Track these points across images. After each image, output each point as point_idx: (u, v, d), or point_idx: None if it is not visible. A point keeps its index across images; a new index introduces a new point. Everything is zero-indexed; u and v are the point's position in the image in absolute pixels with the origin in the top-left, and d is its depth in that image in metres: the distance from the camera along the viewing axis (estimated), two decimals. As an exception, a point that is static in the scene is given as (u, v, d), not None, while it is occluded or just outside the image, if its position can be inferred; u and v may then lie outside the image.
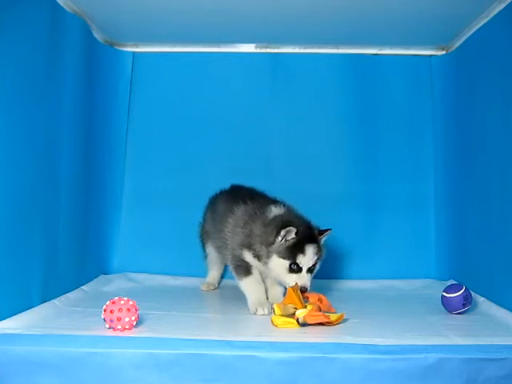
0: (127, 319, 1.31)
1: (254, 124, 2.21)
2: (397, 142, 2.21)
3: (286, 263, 1.57)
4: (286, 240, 1.57)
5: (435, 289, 1.93)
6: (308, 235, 1.59)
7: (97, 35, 2.01)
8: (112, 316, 1.30)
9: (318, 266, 1.62)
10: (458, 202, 2.01)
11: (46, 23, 1.55)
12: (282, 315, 1.43)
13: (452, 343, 1.28)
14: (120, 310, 1.30)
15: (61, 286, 1.68)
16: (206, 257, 2.03)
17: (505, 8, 1.64)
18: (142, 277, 2.08)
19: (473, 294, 1.63)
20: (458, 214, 2.01)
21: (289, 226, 1.56)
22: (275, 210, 1.67)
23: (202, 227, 2.03)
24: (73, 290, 1.75)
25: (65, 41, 1.68)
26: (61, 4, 1.67)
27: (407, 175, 2.20)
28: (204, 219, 2.03)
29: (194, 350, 1.14)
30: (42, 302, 1.53)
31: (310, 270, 1.59)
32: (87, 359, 1.12)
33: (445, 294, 1.60)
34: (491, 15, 1.72)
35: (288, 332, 1.37)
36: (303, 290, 1.55)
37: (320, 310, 1.48)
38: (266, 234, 1.61)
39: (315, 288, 1.76)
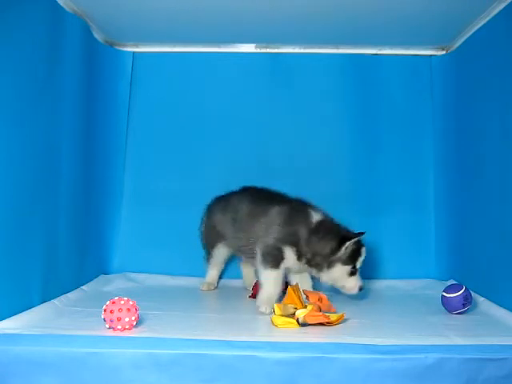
0: (127, 319, 1.31)
1: (254, 124, 2.21)
2: (397, 142, 2.21)
3: (348, 268, 1.66)
4: (347, 248, 1.66)
5: (435, 289, 1.93)
6: (360, 239, 1.69)
7: (97, 35, 2.01)
8: (112, 316, 1.30)
9: None
10: (457, 202, 2.01)
11: (46, 23, 1.55)
12: (282, 315, 1.43)
13: (452, 343, 1.28)
14: (120, 309, 1.30)
15: (61, 285, 1.68)
16: (209, 258, 2.02)
17: (505, 8, 1.64)
18: (141, 277, 2.08)
19: (473, 294, 1.63)
20: (458, 214, 2.01)
21: (349, 238, 1.65)
22: (315, 216, 1.72)
23: (210, 228, 2.00)
24: (73, 290, 1.75)
25: (65, 41, 1.68)
26: (61, 4, 1.67)
27: (407, 175, 2.19)
28: (212, 220, 1.99)
29: (194, 350, 1.14)
30: (42, 302, 1.53)
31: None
32: (87, 359, 1.12)
33: (445, 294, 1.61)
34: (491, 15, 1.72)
35: (288, 332, 1.37)
36: (361, 290, 1.68)
37: (320, 310, 1.48)
38: (320, 244, 1.67)
39: (316, 288, 1.77)
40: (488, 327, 1.45)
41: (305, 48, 2.21)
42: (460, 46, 2.03)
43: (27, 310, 1.43)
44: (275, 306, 1.46)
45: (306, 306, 1.47)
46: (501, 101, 1.64)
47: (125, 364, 1.12)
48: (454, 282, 1.80)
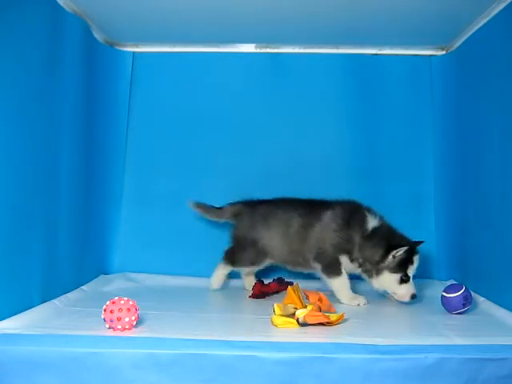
0: (127, 319, 1.31)
1: (254, 124, 2.21)
2: (397, 142, 2.20)
3: (398, 276, 1.70)
4: (395, 257, 1.69)
5: (435, 289, 1.93)
6: (414, 248, 1.72)
7: (97, 35, 2.01)
8: (112, 316, 1.30)
9: None
10: (457, 201, 2.01)
11: (46, 23, 1.55)
12: (282, 315, 1.43)
13: (452, 343, 1.28)
14: (120, 309, 1.30)
15: (61, 285, 1.68)
16: (241, 267, 1.95)
17: (505, 8, 1.64)
18: (141, 277, 2.08)
19: (473, 294, 1.63)
20: (458, 214, 2.01)
21: (399, 246, 1.68)
22: (372, 222, 1.76)
23: (250, 244, 1.91)
24: (73, 290, 1.75)
25: (65, 41, 1.68)
26: (61, 4, 1.67)
27: (407, 175, 2.19)
28: (255, 238, 1.90)
29: (194, 350, 1.14)
30: (42, 302, 1.53)
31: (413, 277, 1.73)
32: (87, 359, 1.12)
33: (445, 294, 1.61)
34: (491, 15, 1.72)
35: (288, 332, 1.37)
36: (413, 298, 1.69)
37: (320, 310, 1.48)
38: (371, 252, 1.72)
39: (316, 288, 1.77)
40: (488, 327, 1.45)
41: (305, 48, 2.21)
42: (460, 46, 2.03)
43: (27, 309, 1.44)
44: (275, 305, 1.46)
45: (305, 306, 1.47)
46: (501, 101, 1.64)
47: (125, 364, 1.12)
48: (454, 282, 1.80)
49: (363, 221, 1.77)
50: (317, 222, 1.81)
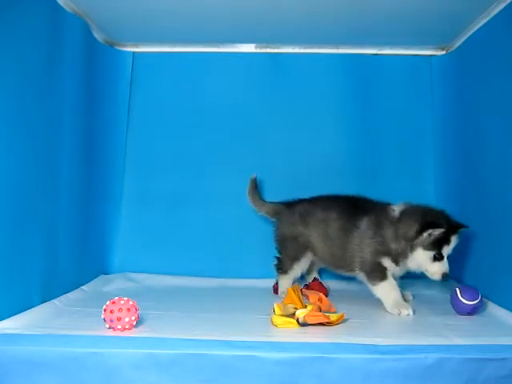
0: (127, 319, 1.31)
1: (254, 124, 2.21)
2: (396, 142, 2.20)
3: (431, 254, 1.65)
4: (431, 235, 1.65)
5: (435, 289, 1.93)
6: (453, 228, 1.67)
7: (97, 35, 2.01)
8: (112, 316, 1.30)
9: None
10: (457, 201, 2.01)
11: (46, 23, 1.55)
12: (282, 315, 1.43)
13: (452, 343, 1.28)
14: (120, 309, 1.30)
15: (61, 285, 1.68)
16: (289, 268, 1.91)
17: (505, 8, 1.64)
18: (141, 277, 2.08)
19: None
20: (458, 214, 2.01)
21: (436, 225, 1.64)
22: (397, 209, 1.74)
23: (294, 240, 1.90)
24: (73, 290, 1.75)
25: (65, 41, 1.68)
26: (61, 4, 1.67)
27: (407, 175, 2.19)
28: (295, 233, 1.90)
29: (194, 350, 1.14)
30: (42, 302, 1.53)
31: (447, 257, 1.67)
32: (87, 359, 1.12)
33: (459, 293, 1.58)
34: (491, 15, 1.72)
35: (288, 332, 1.37)
36: (444, 277, 1.65)
37: (320, 310, 1.48)
38: (405, 228, 1.68)
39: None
40: (488, 327, 1.45)
41: (305, 48, 2.21)
42: (460, 46, 2.03)
43: (27, 309, 1.44)
44: (275, 305, 1.46)
45: (306, 306, 1.47)
46: (501, 100, 1.64)
47: (125, 364, 1.12)
48: (470, 286, 1.68)
49: (387, 214, 1.74)
50: (355, 231, 1.77)
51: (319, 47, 2.20)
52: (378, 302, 1.78)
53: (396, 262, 1.71)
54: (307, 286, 1.90)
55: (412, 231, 1.66)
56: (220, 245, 2.16)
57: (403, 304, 1.66)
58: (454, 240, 1.67)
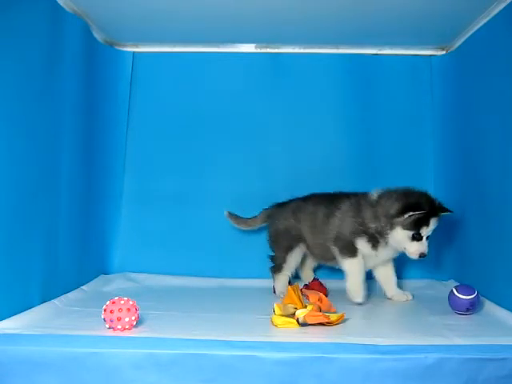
0: (127, 319, 1.31)
1: (254, 124, 2.21)
2: (396, 142, 2.20)
3: (410, 233, 1.70)
4: (411, 216, 1.68)
5: (435, 289, 1.93)
6: (433, 210, 1.71)
7: (97, 35, 2.01)
8: (112, 316, 1.30)
9: None
10: (457, 201, 2.01)
11: (46, 23, 1.55)
12: (282, 315, 1.43)
13: (452, 343, 1.28)
14: (120, 309, 1.30)
15: (61, 285, 1.68)
16: (283, 262, 1.95)
17: (505, 8, 1.64)
18: (141, 277, 2.08)
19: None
20: (458, 214, 2.01)
21: (417, 207, 1.68)
22: (375, 192, 1.79)
23: (287, 233, 1.96)
24: (73, 290, 1.75)
25: (65, 41, 1.68)
26: (61, 4, 1.67)
27: (407, 175, 2.19)
28: (288, 226, 1.96)
29: (194, 350, 1.14)
30: (42, 302, 1.53)
31: (427, 238, 1.71)
32: (87, 359, 1.12)
33: (455, 291, 1.59)
34: (491, 15, 1.72)
35: (288, 332, 1.37)
36: (422, 256, 1.70)
37: (320, 310, 1.48)
38: (385, 207, 1.72)
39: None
40: (488, 327, 1.45)
41: (305, 48, 2.21)
42: (460, 46, 2.03)
43: (27, 309, 1.44)
44: (275, 305, 1.46)
45: (306, 306, 1.47)
46: (501, 100, 1.64)
47: (125, 364, 1.12)
48: (466, 284, 1.69)
49: (368, 196, 1.80)
50: (337, 212, 1.84)
51: (319, 47, 2.20)
52: (377, 302, 1.78)
53: (374, 244, 1.75)
54: (307, 286, 1.90)
55: (393, 210, 1.71)
56: (220, 245, 2.16)
57: (359, 291, 1.71)
58: (433, 222, 1.70)
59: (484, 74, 1.78)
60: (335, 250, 1.80)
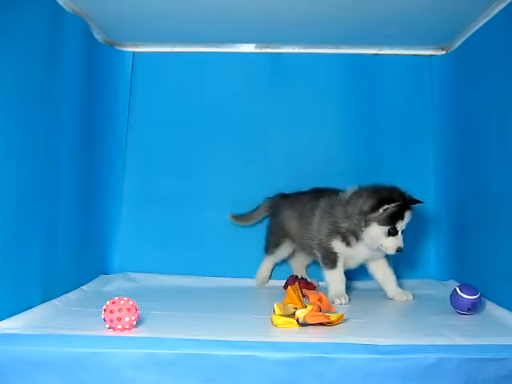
0: (127, 319, 1.31)
1: (254, 124, 2.21)
2: (396, 142, 2.21)
3: (386, 229, 1.71)
4: (386, 210, 1.70)
5: (435, 289, 1.93)
6: (406, 202, 1.72)
7: (97, 35, 2.01)
8: (112, 316, 1.30)
9: None
10: (457, 201, 2.01)
11: (46, 23, 1.55)
12: (282, 315, 1.43)
13: (452, 343, 1.27)
14: (120, 309, 1.30)
15: (61, 286, 1.68)
16: (270, 253, 2.06)
17: (505, 8, 1.64)
18: (141, 276, 2.08)
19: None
20: (458, 214, 2.01)
21: (391, 200, 1.70)
22: (349, 190, 1.81)
23: (278, 228, 2.05)
24: (73, 290, 1.75)
25: (65, 41, 1.68)
26: (61, 4, 1.67)
27: (407, 175, 2.18)
28: (278, 221, 2.05)
29: (194, 350, 1.13)
30: (42, 302, 1.53)
31: (402, 232, 1.73)
32: (87, 359, 1.12)
33: (458, 290, 1.58)
34: (491, 15, 1.72)
35: (288, 332, 1.37)
36: (399, 251, 1.71)
37: (320, 310, 1.48)
38: (359, 205, 1.74)
39: (318, 288, 1.77)
40: (488, 327, 1.45)
41: (305, 48, 2.21)
42: (460, 45, 2.03)
43: (27, 309, 1.43)
44: (275, 305, 1.46)
45: (306, 306, 1.47)
46: (500, 101, 1.64)
47: (125, 364, 1.12)
48: (469, 284, 1.67)
49: (338, 196, 1.82)
50: (317, 211, 1.87)
51: (319, 47, 2.20)
52: (378, 302, 1.78)
53: (348, 242, 1.77)
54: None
55: (367, 207, 1.72)
56: (220, 245, 2.16)
57: (341, 295, 1.74)
58: (407, 215, 1.72)
59: (484, 74, 1.78)
60: (318, 256, 1.84)
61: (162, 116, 2.23)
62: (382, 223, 1.70)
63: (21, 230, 1.44)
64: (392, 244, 1.71)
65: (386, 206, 1.69)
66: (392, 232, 1.70)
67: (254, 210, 2.13)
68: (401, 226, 1.71)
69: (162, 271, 2.11)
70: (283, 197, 2.08)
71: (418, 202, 1.75)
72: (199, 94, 2.22)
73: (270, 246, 2.07)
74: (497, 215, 1.66)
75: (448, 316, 1.57)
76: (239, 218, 2.12)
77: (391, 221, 1.70)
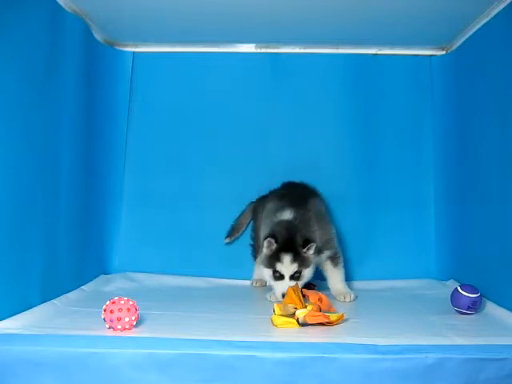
0: (127, 319, 1.31)
1: (254, 124, 2.21)
2: (397, 142, 2.21)
3: (270, 271, 1.70)
4: (269, 249, 1.70)
5: (435, 289, 1.93)
6: (285, 245, 1.68)
7: (97, 35, 2.01)
8: (112, 316, 1.30)
9: (307, 273, 1.72)
10: (457, 201, 2.01)
11: (46, 23, 1.55)
12: (282, 315, 1.43)
13: (452, 343, 1.28)
14: (120, 309, 1.30)
15: (61, 286, 1.68)
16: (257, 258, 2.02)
17: (505, 8, 1.64)
18: (141, 277, 2.08)
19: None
20: (458, 214, 2.01)
21: (270, 236, 1.68)
22: (286, 215, 1.77)
23: (258, 231, 2.02)
24: (73, 289, 1.75)
25: (65, 41, 1.68)
26: (61, 4, 1.67)
27: (407, 175, 2.20)
28: (257, 224, 2.05)
29: (194, 350, 1.14)
30: (42, 302, 1.53)
31: (294, 278, 1.69)
32: (87, 359, 1.12)
33: (459, 288, 1.59)
34: (491, 15, 1.72)
35: (288, 332, 1.37)
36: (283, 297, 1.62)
37: (320, 310, 1.48)
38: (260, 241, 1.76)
39: (318, 288, 1.77)
40: (488, 327, 1.45)
41: (305, 48, 2.21)
42: (460, 45, 2.03)
43: (27, 310, 1.43)
44: (275, 305, 1.46)
45: (306, 306, 1.47)
46: (500, 101, 1.64)
47: (125, 364, 1.12)
48: (471, 284, 1.66)
49: (276, 214, 1.80)
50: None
51: (319, 47, 2.20)
52: (378, 302, 1.78)
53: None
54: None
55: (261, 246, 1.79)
56: (220, 245, 2.16)
57: (279, 295, 1.71)
58: (286, 259, 1.69)
59: (484, 73, 1.78)
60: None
61: (162, 116, 2.23)
62: (264, 264, 1.72)
63: (21, 231, 1.44)
64: (278, 289, 1.70)
65: (266, 243, 1.70)
66: (277, 276, 1.69)
67: (239, 216, 2.13)
68: (283, 269, 1.68)
69: (162, 271, 2.11)
70: (260, 199, 2.08)
71: (309, 244, 1.69)
72: (199, 94, 2.22)
73: (256, 251, 2.04)
74: (497, 215, 1.66)
75: (448, 316, 1.57)
76: (232, 232, 2.13)
77: (271, 263, 1.69)
